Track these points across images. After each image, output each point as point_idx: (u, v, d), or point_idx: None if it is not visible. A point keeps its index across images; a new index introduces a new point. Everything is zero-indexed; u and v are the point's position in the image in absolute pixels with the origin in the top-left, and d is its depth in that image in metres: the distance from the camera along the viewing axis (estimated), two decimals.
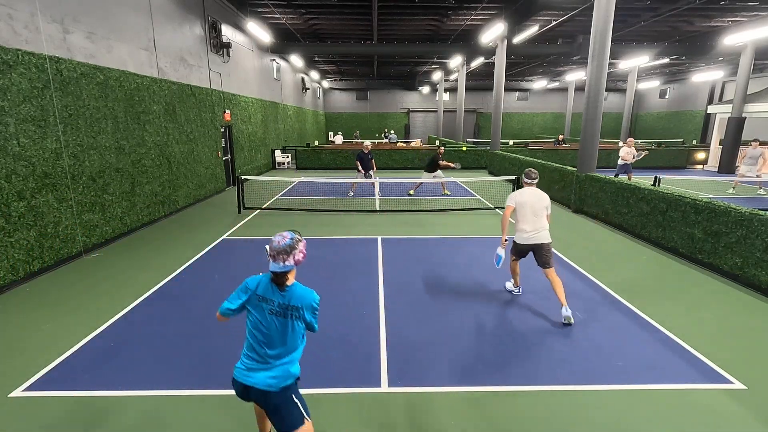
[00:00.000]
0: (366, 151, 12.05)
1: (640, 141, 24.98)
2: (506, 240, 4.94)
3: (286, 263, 2.24)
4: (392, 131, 27.92)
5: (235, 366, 2.37)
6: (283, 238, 2.27)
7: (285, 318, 2.28)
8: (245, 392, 2.33)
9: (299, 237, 2.31)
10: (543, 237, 4.79)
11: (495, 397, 3.38)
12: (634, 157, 12.63)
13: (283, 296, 2.28)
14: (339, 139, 24.82)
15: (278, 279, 2.28)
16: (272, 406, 2.31)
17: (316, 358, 3.90)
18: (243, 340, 2.41)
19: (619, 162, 12.76)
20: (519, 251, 5.03)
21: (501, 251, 4.99)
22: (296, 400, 2.34)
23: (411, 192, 12.53)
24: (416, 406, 3.28)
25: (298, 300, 2.29)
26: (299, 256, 2.27)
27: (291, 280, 2.32)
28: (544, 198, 4.85)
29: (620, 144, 19.45)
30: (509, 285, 5.50)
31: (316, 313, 2.37)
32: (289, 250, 2.24)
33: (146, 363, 3.81)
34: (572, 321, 4.60)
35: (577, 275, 6.02)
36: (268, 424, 2.72)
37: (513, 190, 10.12)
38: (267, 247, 2.27)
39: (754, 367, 3.79)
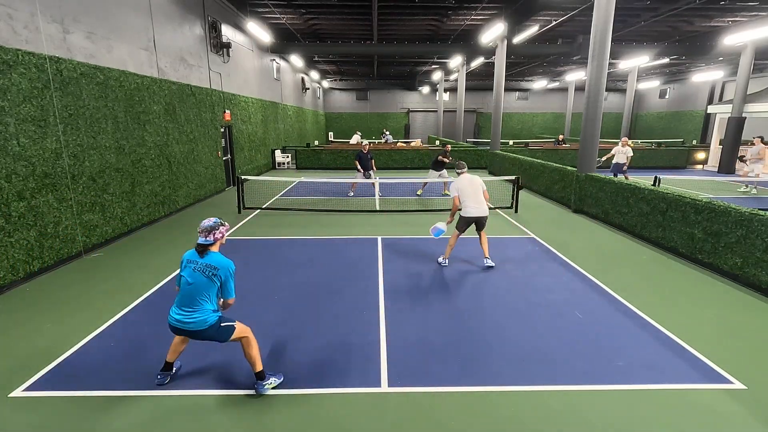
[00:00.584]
0: (365, 151, 12.06)
1: (640, 141, 24.98)
2: (450, 221, 6.35)
3: (208, 238, 3.16)
4: (386, 131, 27.80)
5: (169, 312, 3.24)
6: (209, 221, 3.20)
7: (205, 275, 3.12)
8: (181, 333, 3.23)
9: (222, 222, 3.25)
10: (483, 211, 6.19)
11: (495, 396, 3.38)
12: (628, 158, 12.42)
13: (204, 259, 3.16)
14: (355, 138, 24.45)
15: (200, 248, 3.18)
16: (208, 336, 3.21)
17: (316, 358, 3.91)
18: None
19: (613, 161, 12.67)
20: (466, 223, 6.23)
21: (443, 226, 6.34)
22: (224, 323, 3.24)
23: (419, 192, 12.63)
24: (416, 405, 3.28)
25: (215, 263, 3.15)
26: (218, 235, 3.20)
27: (213, 249, 3.22)
28: (477, 179, 6.29)
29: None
30: (440, 259, 6.46)
31: (231, 279, 3.20)
32: (209, 229, 3.16)
33: (146, 363, 3.80)
34: (492, 265, 6.25)
35: (577, 275, 6.02)
36: (182, 347, 3.56)
37: (513, 191, 10.17)
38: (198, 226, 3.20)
39: (754, 367, 3.79)
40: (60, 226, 6.16)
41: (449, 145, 12.00)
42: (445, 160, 11.66)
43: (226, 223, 3.30)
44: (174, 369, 3.61)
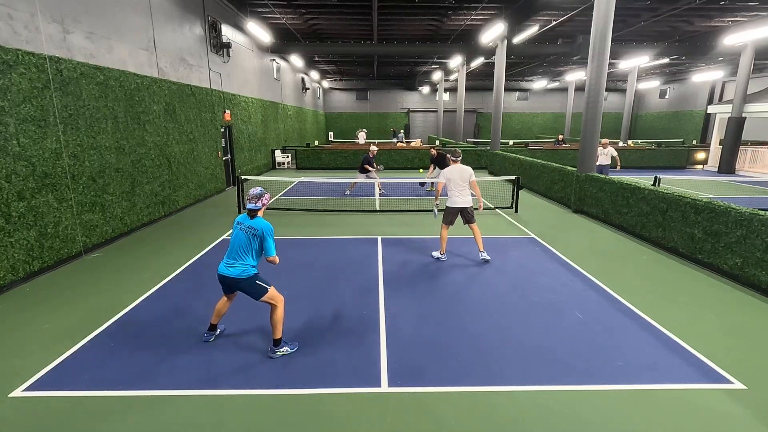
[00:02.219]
0: (372, 155, 11.99)
1: (640, 141, 24.93)
2: (437, 204, 6.80)
3: (257, 204, 3.78)
4: (401, 131, 27.55)
5: (219, 264, 3.85)
6: (256, 189, 3.82)
7: (248, 235, 3.75)
8: (225, 280, 3.81)
9: (266, 191, 3.87)
10: (467, 202, 6.39)
11: (495, 397, 3.38)
12: (599, 157, 12.18)
13: (250, 222, 3.77)
14: (362, 137, 24.20)
15: (250, 213, 3.80)
16: (244, 287, 3.79)
17: (316, 357, 3.91)
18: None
19: (596, 162, 12.51)
20: (452, 214, 6.46)
21: (436, 210, 6.83)
22: (259, 282, 3.81)
23: (429, 189, 12.90)
24: (416, 405, 3.28)
25: (257, 225, 3.74)
26: (264, 201, 3.83)
27: (259, 215, 3.82)
28: (467, 171, 6.39)
29: (620, 144, 19.43)
30: (436, 254, 6.66)
31: (269, 238, 3.73)
32: (258, 196, 3.79)
33: (146, 363, 3.81)
34: (488, 259, 6.45)
35: (577, 275, 6.02)
36: (224, 311, 4.14)
37: (514, 191, 10.16)
38: (247, 194, 3.83)
39: (754, 367, 3.79)
40: (60, 226, 6.16)
41: (434, 149, 12.04)
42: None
43: (268, 193, 3.90)
44: (218, 330, 4.22)
